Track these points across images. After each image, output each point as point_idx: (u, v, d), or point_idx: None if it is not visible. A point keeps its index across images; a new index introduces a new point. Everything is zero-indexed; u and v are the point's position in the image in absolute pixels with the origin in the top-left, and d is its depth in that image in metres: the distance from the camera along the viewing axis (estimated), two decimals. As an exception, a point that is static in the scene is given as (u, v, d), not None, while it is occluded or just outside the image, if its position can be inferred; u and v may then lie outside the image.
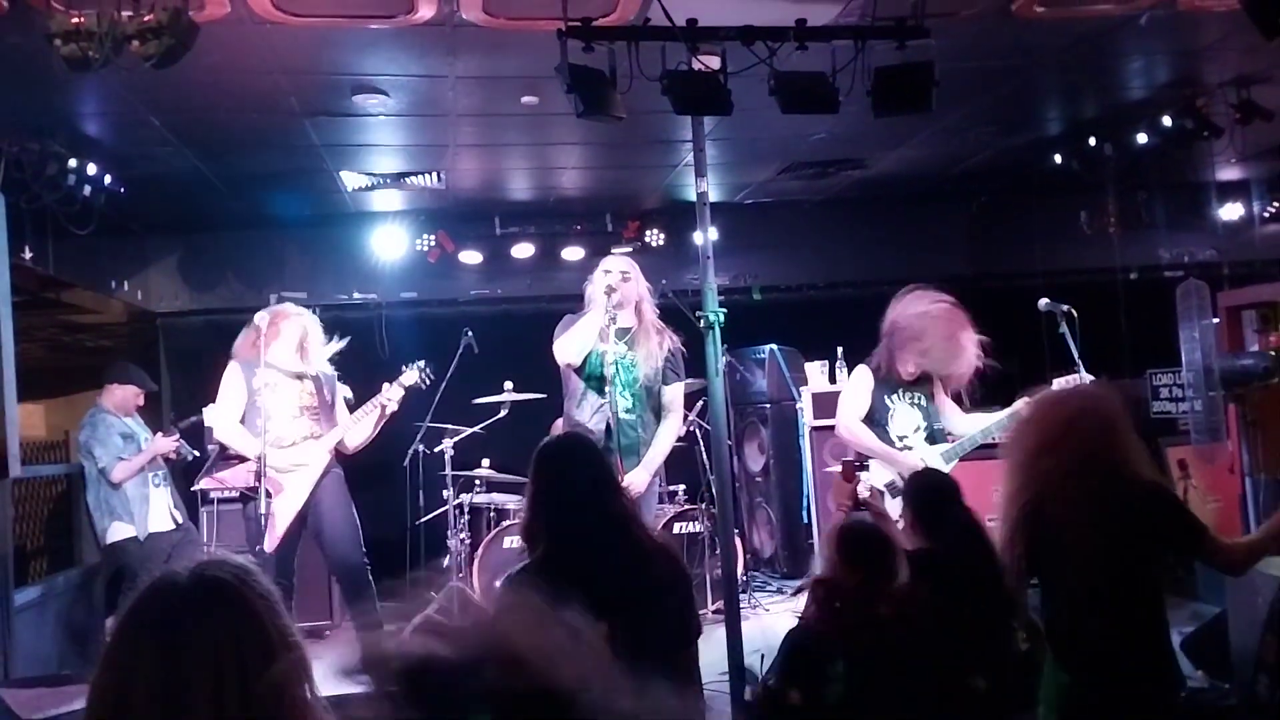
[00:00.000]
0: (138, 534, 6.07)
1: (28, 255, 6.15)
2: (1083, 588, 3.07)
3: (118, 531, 6.07)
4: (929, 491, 3.60)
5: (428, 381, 6.01)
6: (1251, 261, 8.77)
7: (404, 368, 5.92)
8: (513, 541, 6.66)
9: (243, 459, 5.53)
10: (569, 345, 5.12)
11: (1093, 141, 7.24)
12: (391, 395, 5.73)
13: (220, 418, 5.60)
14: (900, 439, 5.36)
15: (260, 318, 5.56)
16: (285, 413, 5.54)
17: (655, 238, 8.87)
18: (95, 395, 6.38)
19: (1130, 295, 8.24)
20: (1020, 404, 5.37)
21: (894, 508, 5.26)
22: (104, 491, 6.08)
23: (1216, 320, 6.47)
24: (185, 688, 1.46)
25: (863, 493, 4.07)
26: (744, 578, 7.18)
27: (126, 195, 6.52)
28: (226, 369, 5.64)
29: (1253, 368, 5.59)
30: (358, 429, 5.73)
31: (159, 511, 6.23)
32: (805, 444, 7.81)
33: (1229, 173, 8.59)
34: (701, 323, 4.84)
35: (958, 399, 8.10)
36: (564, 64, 4.31)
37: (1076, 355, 5.47)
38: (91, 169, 6.05)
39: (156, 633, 1.51)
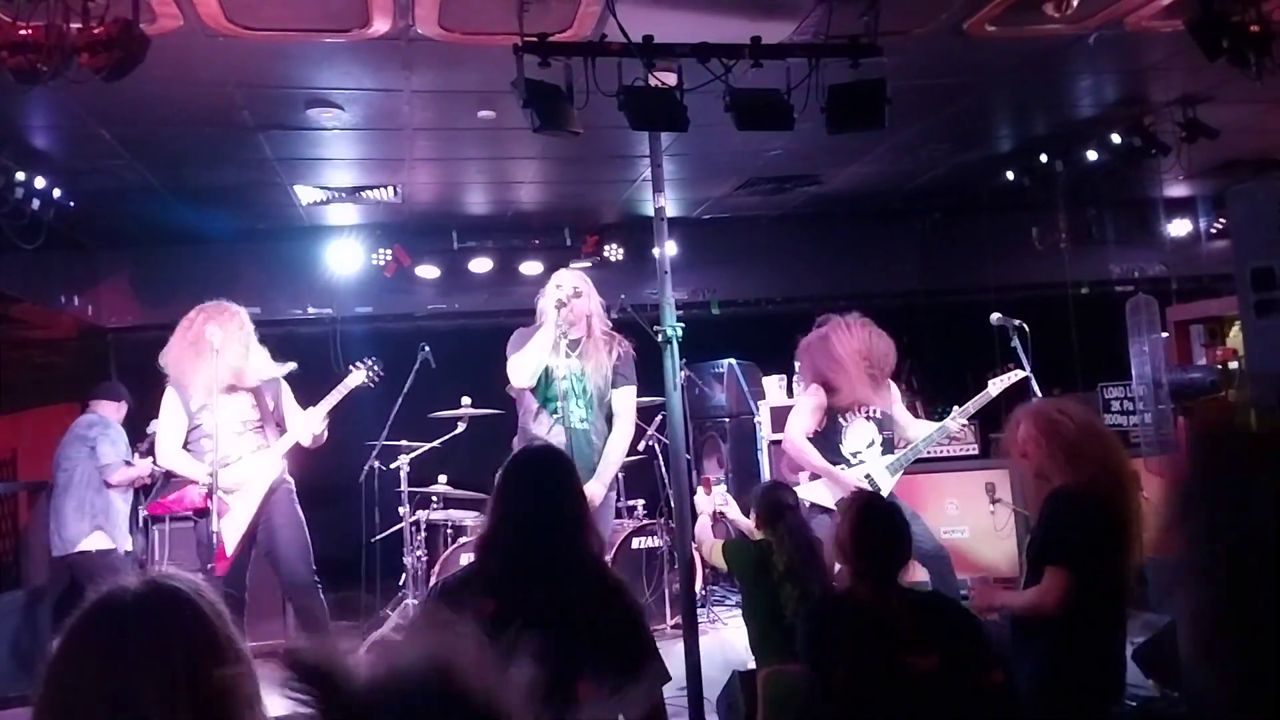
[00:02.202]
0: (116, 546, 5.97)
1: (-27, 270, 6.06)
2: None
3: (93, 541, 5.97)
4: (771, 499, 4.45)
5: (376, 380, 5.86)
6: (1199, 276, 8.94)
7: (351, 368, 5.78)
8: (470, 558, 6.61)
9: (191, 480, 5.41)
10: (522, 368, 5.10)
11: (1043, 158, 7.37)
12: (332, 399, 5.59)
13: (163, 447, 5.45)
14: (854, 455, 5.43)
15: (186, 333, 5.36)
16: (228, 430, 5.37)
17: (614, 252, 8.88)
18: (48, 411, 6.29)
19: (1081, 310, 8.36)
20: (955, 416, 5.50)
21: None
22: (90, 495, 5.97)
23: (1165, 334, 6.58)
24: (136, 699, 1.44)
25: (718, 504, 4.83)
26: (702, 592, 7.18)
27: (76, 209, 6.43)
28: (164, 395, 5.47)
29: (1200, 381, 5.69)
30: (306, 429, 5.54)
31: (125, 530, 6.15)
32: (764, 457, 7.85)
33: (1176, 189, 8.76)
34: (660, 337, 4.85)
35: (912, 408, 8.22)
36: (520, 79, 4.31)
37: (1029, 369, 5.56)
38: (40, 182, 5.96)
39: (105, 644, 1.49)
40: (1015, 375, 5.61)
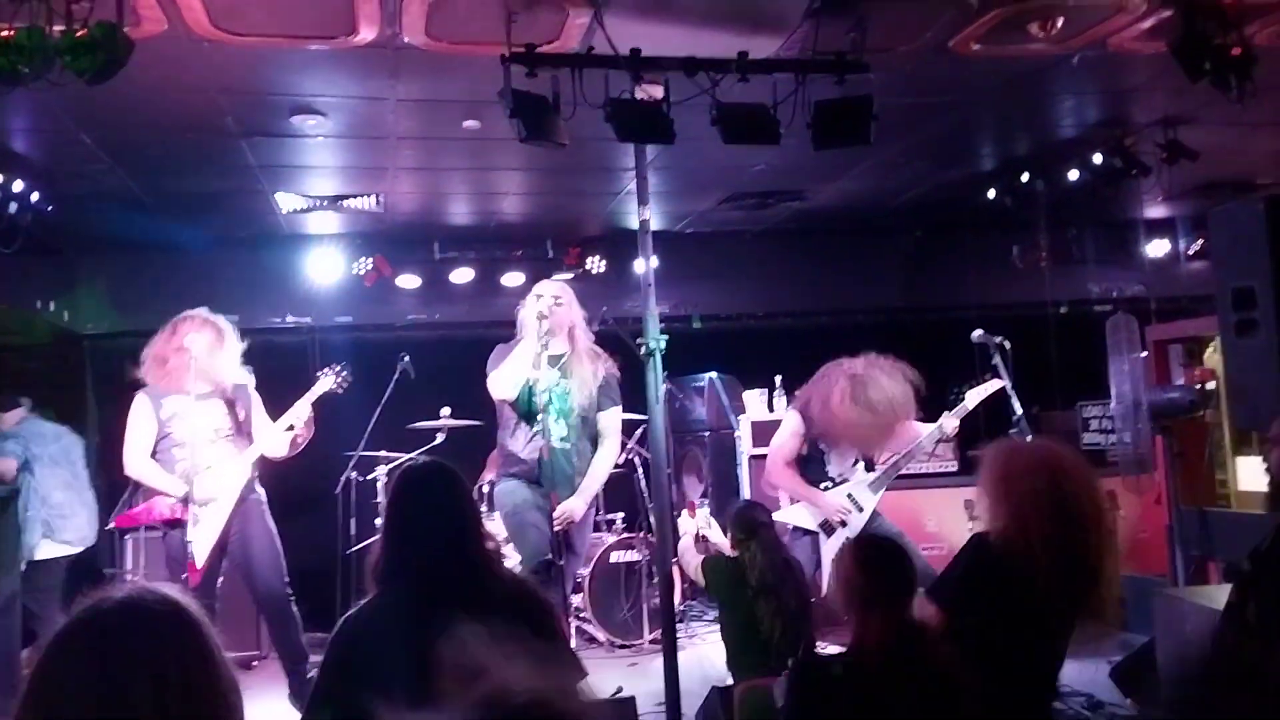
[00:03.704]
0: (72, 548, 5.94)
1: (-51, 273, 5.99)
2: None
3: (44, 550, 5.91)
4: (744, 518, 4.55)
5: (344, 386, 5.76)
6: (1178, 297, 9.01)
7: (317, 375, 5.70)
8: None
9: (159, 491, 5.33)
10: (503, 380, 5.04)
11: (1025, 178, 7.40)
12: (300, 413, 5.50)
13: (131, 455, 5.34)
14: (839, 475, 5.44)
15: (164, 340, 5.33)
16: (200, 439, 5.30)
17: (596, 265, 8.86)
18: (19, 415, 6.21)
19: (1060, 328, 8.42)
20: (943, 423, 5.52)
21: (830, 546, 5.34)
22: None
23: (1145, 354, 6.61)
24: (125, 703, 1.44)
25: (700, 527, 4.92)
26: (681, 608, 7.16)
27: (55, 213, 6.36)
28: (133, 403, 5.38)
29: (1179, 401, 5.71)
30: (274, 440, 5.48)
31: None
32: (744, 472, 7.84)
33: (1156, 210, 8.85)
34: (642, 350, 4.83)
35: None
36: (507, 89, 4.31)
37: (1010, 387, 5.58)
38: (18, 186, 5.91)
39: (94, 656, 1.47)
40: (993, 385, 5.64)
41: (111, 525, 6.48)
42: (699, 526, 4.93)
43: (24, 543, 5.89)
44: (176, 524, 5.25)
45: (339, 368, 5.76)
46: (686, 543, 4.93)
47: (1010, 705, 3.05)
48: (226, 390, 5.44)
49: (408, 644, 2.23)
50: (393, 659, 2.46)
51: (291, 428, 5.50)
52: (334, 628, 2.71)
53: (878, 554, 3.14)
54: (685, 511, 5.08)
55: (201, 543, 5.23)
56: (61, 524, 6.05)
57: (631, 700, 4.53)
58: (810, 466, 5.45)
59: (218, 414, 5.41)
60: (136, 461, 5.35)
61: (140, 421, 5.36)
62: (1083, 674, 5.33)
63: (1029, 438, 5.23)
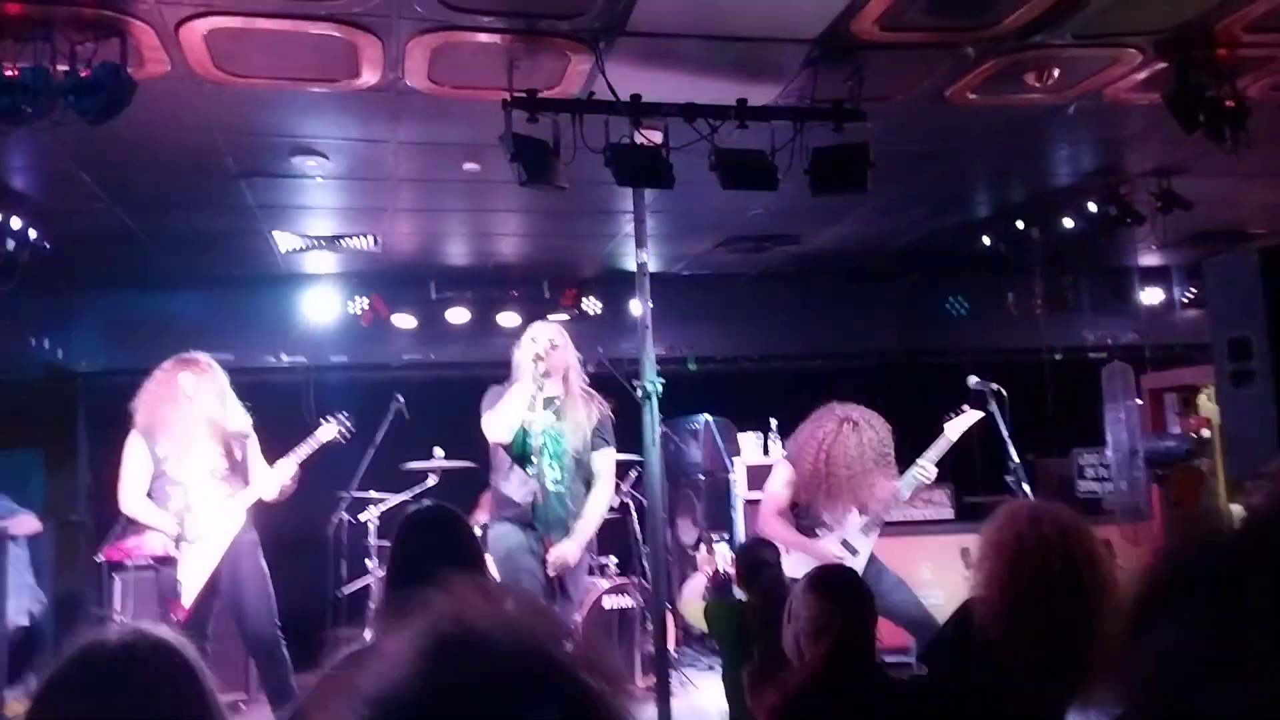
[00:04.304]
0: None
1: (-56, 309, 5.97)
2: None
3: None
4: (749, 557, 4.63)
5: (348, 437, 5.80)
6: (1171, 345, 9.04)
7: (322, 421, 5.71)
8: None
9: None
10: (498, 423, 5.01)
11: (1020, 225, 7.44)
12: (300, 454, 5.52)
13: (126, 494, 5.31)
14: (832, 523, 5.38)
15: (160, 381, 5.32)
16: (195, 479, 5.29)
17: (593, 306, 8.88)
18: (10, 455, 6.17)
19: (1055, 375, 8.42)
20: (918, 467, 5.43)
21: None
22: None
23: (1139, 402, 6.63)
24: None
25: (719, 565, 5.08)
26: (675, 654, 7.09)
27: (52, 250, 6.36)
28: (127, 441, 5.36)
29: (1175, 449, 5.72)
30: (271, 483, 5.46)
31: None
32: (738, 515, 7.80)
33: (1151, 258, 8.88)
34: (640, 392, 4.82)
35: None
36: (508, 133, 4.33)
37: (1006, 434, 5.56)
38: (16, 223, 5.91)
39: (90, 698, 1.47)
40: (972, 416, 5.52)
41: (101, 558, 6.44)
42: (717, 564, 4.89)
43: None
44: (168, 561, 5.23)
45: (343, 416, 5.76)
46: (697, 585, 4.86)
47: None
48: (223, 432, 5.42)
49: None
50: None
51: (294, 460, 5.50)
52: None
53: (836, 578, 3.14)
54: (703, 547, 5.02)
55: (192, 581, 5.20)
56: None
57: None
58: (805, 514, 5.40)
59: (213, 455, 5.38)
60: (131, 500, 5.31)
61: (135, 460, 5.33)
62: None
63: (1029, 493, 5.18)
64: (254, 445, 5.55)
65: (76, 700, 1.47)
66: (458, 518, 2.83)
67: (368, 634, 5.77)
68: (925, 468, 5.46)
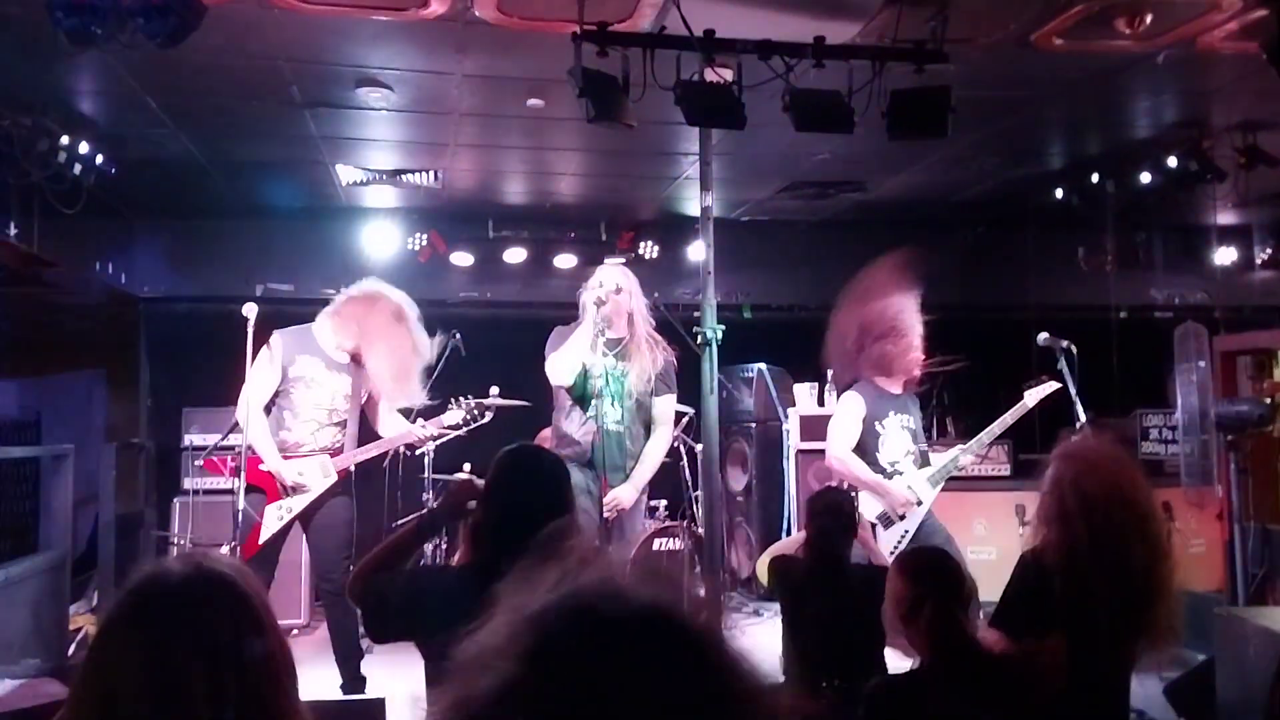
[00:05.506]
0: None
1: (12, 232, 6.02)
2: None
3: None
4: (831, 509, 4.13)
5: (474, 421, 5.88)
6: (1241, 307, 8.78)
7: (449, 405, 5.75)
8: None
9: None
10: (560, 366, 5.02)
11: (1095, 178, 7.22)
12: (422, 434, 5.64)
13: (246, 399, 5.09)
14: (892, 464, 5.32)
15: (355, 301, 5.41)
16: (313, 416, 5.24)
17: (649, 250, 8.77)
18: (74, 377, 6.25)
19: (1120, 334, 8.22)
20: (993, 427, 5.40)
21: (887, 540, 5.22)
22: None
23: (1205, 364, 6.46)
24: (183, 679, 1.45)
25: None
26: (724, 599, 7.10)
27: (117, 176, 6.38)
28: (268, 342, 5.22)
29: (1248, 414, 5.56)
30: (396, 436, 5.56)
31: None
32: (790, 466, 7.75)
33: (1228, 217, 8.60)
34: (699, 339, 4.77)
35: (942, 427, 8.07)
36: (577, 68, 4.24)
37: (1074, 393, 5.43)
38: (84, 148, 5.91)
39: (152, 627, 1.49)
40: (1051, 386, 5.48)
41: (200, 462, 6.50)
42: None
43: None
44: (255, 490, 5.21)
45: (471, 403, 5.81)
46: (866, 534, 4.62)
47: None
48: (360, 367, 5.35)
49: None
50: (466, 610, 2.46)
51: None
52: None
53: (924, 561, 3.09)
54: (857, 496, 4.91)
55: (273, 520, 5.21)
56: None
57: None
58: (862, 456, 5.32)
59: (340, 392, 5.32)
60: (249, 408, 5.10)
61: (264, 366, 5.21)
62: (1136, 690, 5.19)
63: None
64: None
65: (134, 634, 1.49)
66: (559, 462, 2.85)
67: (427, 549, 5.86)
68: (995, 429, 5.43)
